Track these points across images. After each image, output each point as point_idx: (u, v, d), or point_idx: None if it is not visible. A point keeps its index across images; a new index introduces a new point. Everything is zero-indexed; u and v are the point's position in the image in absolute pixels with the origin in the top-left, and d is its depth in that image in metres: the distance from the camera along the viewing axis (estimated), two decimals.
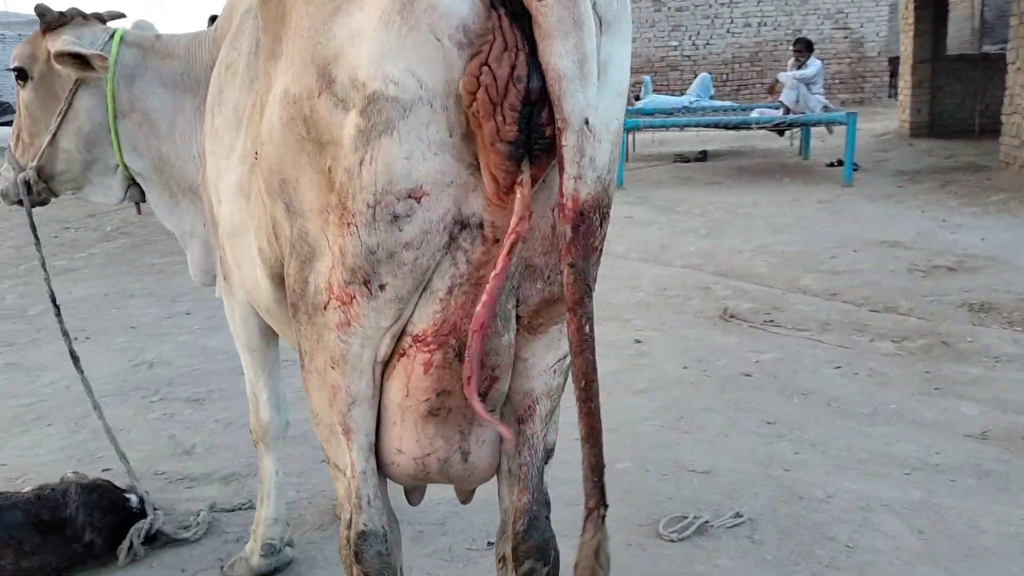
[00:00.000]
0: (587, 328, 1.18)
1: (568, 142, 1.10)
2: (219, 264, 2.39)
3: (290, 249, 1.36)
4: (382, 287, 1.24)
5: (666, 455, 3.21)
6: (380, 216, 1.18)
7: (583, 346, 1.19)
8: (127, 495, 2.60)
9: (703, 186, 10.04)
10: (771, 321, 4.86)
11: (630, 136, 12.36)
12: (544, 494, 1.50)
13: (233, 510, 2.89)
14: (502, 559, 1.53)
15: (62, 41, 2.48)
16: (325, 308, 1.31)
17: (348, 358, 1.33)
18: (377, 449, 1.44)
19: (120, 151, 2.53)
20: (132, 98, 2.50)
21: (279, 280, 1.55)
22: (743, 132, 13.85)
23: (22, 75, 2.61)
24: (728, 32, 18.94)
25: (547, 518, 1.50)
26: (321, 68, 1.18)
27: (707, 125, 10.74)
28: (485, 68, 1.10)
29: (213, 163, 1.86)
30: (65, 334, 2.90)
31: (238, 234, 1.76)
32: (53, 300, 2.85)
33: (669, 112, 11.72)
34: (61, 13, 2.57)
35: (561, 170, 1.12)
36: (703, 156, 12.48)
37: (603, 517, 1.26)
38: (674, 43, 18.90)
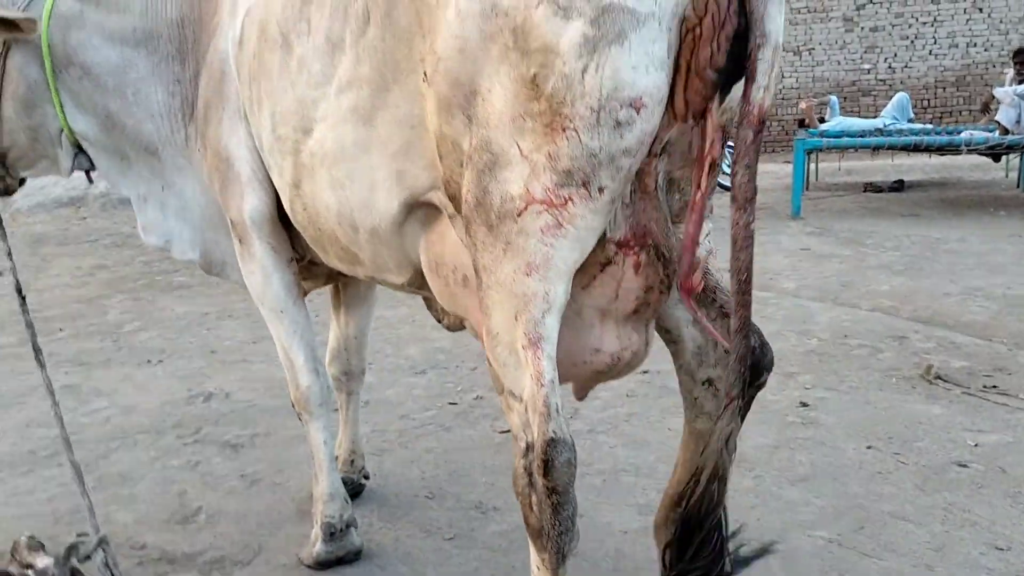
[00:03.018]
0: (752, 225, 1.34)
1: (763, 56, 1.27)
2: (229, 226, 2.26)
3: (464, 161, 1.40)
4: (601, 190, 1.33)
5: None
6: (604, 121, 1.28)
7: (747, 243, 1.35)
8: None
9: (898, 218, 8.55)
10: (994, 387, 3.57)
11: (812, 162, 10.98)
12: None
13: None
14: (707, 382, 1.71)
15: None
16: (520, 215, 1.35)
17: (552, 262, 1.37)
18: (564, 353, 1.48)
19: (62, 111, 2.31)
20: (68, 51, 2.27)
21: (410, 204, 1.64)
22: (948, 161, 12.08)
23: None
24: (931, 54, 16.95)
25: None
26: None
27: (905, 146, 9.17)
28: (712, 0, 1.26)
29: (289, 96, 1.81)
30: (29, 326, 2.52)
31: (349, 158, 1.69)
32: (19, 291, 2.53)
33: (859, 134, 10.24)
34: None
35: (751, 82, 1.28)
36: (899, 186, 10.85)
37: (740, 408, 1.45)
38: (867, 66, 17.11)
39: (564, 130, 1.30)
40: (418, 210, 1.68)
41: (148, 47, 2.28)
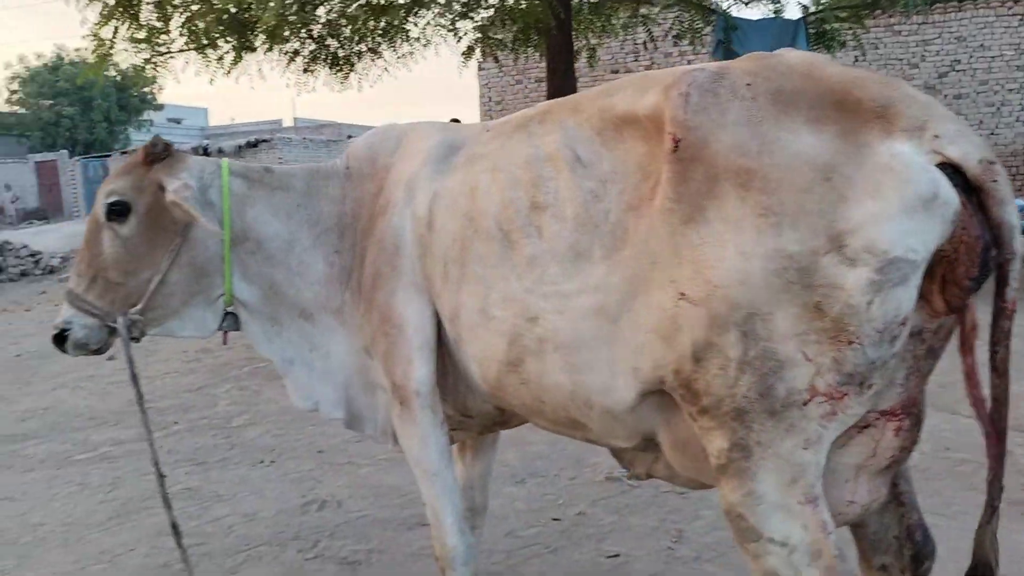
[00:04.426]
0: (1009, 389, 1.73)
1: (1013, 267, 1.63)
2: (384, 388, 2.45)
3: (739, 367, 1.66)
4: (871, 386, 1.66)
5: None
6: (885, 338, 1.60)
7: (1006, 400, 1.73)
8: None
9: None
10: None
11: None
12: None
13: None
14: (881, 568, 2.01)
15: (183, 187, 2.37)
16: (805, 404, 1.64)
17: (823, 439, 1.67)
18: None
19: (230, 280, 2.50)
20: (245, 227, 2.50)
21: (643, 394, 1.88)
22: None
23: (123, 210, 2.34)
24: (1018, 120, 16.63)
25: None
26: (832, 237, 1.57)
27: None
28: (963, 232, 1.59)
29: (514, 286, 2.06)
30: (167, 504, 2.65)
31: (585, 347, 1.94)
32: (156, 468, 2.63)
33: None
34: (166, 145, 2.43)
35: (1005, 285, 1.63)
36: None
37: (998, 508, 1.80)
38: None
39: (850, 343, 1.59)
40: (653, 396, 1.89)
41: (310, 220, 2.51)
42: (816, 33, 10.07)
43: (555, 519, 3.78)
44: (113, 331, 2.44)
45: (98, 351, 2.47)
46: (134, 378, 2.52)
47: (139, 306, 2.41)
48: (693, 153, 1.72)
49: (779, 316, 1.61)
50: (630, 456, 2.22)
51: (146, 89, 35.32)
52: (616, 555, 3.37)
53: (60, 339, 2.44)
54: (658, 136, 1.82)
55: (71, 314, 2.43)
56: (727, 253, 1.65)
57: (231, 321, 2.55)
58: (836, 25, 10.17)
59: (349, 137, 30.19)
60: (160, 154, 2.39)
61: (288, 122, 44.70)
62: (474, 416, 2.49)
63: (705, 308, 1.68)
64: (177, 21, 8.81)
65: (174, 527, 2.57)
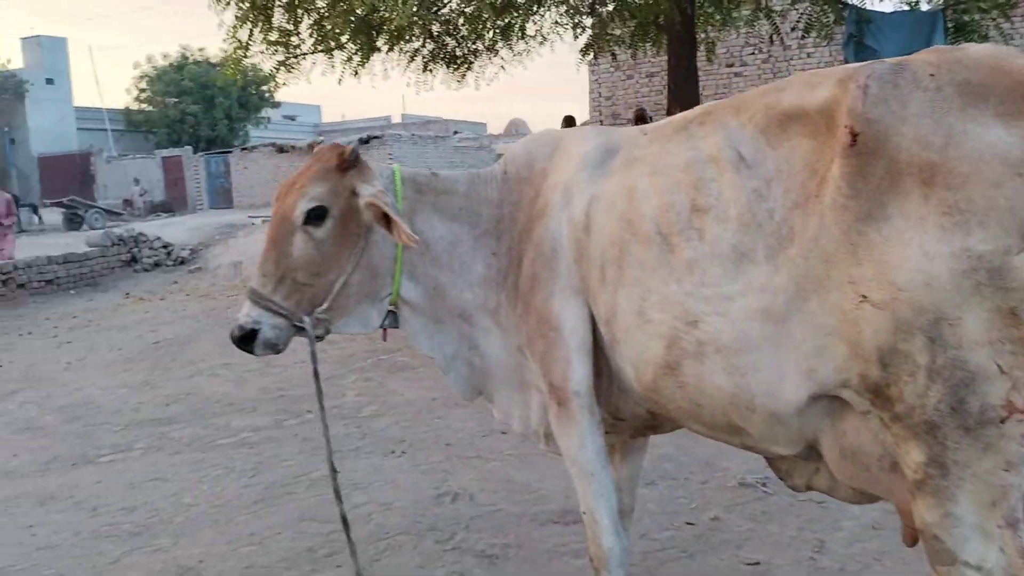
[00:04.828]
0: None
1: None
2: (540, 389, 2.48)
3: (928, 375, 1.60)
4: None
5: None
6: None
7: None
8: None
9: None
10: None
11: None
12: None
13: None
14: None
15: (382, 193, 2.46)
16: (1003, 422, 1.56)
17: None
18: None
19: (399, 281, 2.57)
20: (414, 230, 2.49)
21: (817, 396, 1.83)
22: None
23: (321, 214, 2.45)
24: None
25: None
26: None
27: None
28: None
29: (672, 289, 2.06)
30: (338, 496, 2.68)
31: (749, 349, 1.92)
32: (331, 466, 2.70)
33: None
34: (358, 153, 2.51)
35: None
36: None
37: None
38: None
39: None
40: (823, 400, 1.85)
41: (470, 223, 2.58)
42: (955, 26, 9.60)
43: (689, 523, 3.75)
44: (298, 330, 2.50)
45: (279, 350, 2.54)
46: (316, 375, 2.60)
47: (324, 305, 2.47)
48: (873, 147, 1.67)
49: (969, 321, 1.56)
50: (788, 466, 2.19)
51: (264, 87, 36.75)
52: (756, 563, 3.33)
53: (246, 339, 2.45)
54: (828, 131, 1.79)
55: (258, 314, 2.44)
56: (911, 253, 1.61)
57: (392, 319, 2.64)
58: (977, 17, 9.67)
59: (455, 133, 30.65)
60: (354, 162, 2.48)
61: (396, 118, 45.65)
62: (625, 419, 2.50)
63: (889, 311, 1.64)
64: (307, 23, 9.13)
65: (344, 520, 2.63)
